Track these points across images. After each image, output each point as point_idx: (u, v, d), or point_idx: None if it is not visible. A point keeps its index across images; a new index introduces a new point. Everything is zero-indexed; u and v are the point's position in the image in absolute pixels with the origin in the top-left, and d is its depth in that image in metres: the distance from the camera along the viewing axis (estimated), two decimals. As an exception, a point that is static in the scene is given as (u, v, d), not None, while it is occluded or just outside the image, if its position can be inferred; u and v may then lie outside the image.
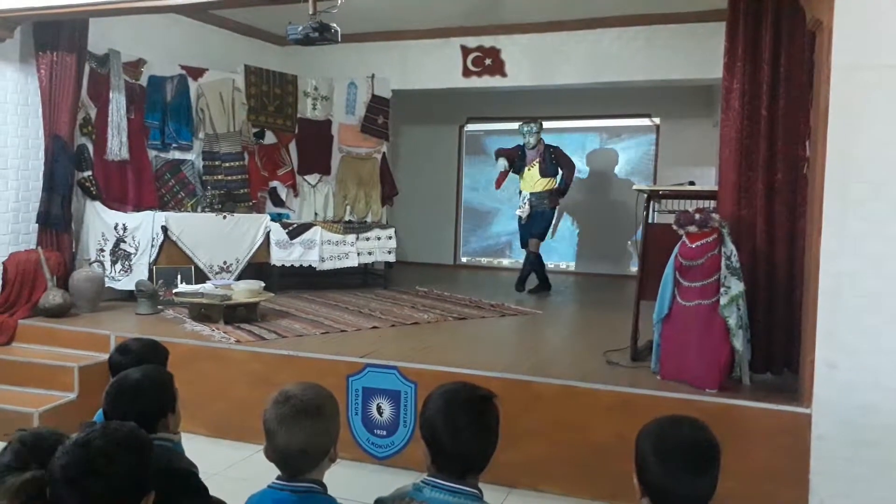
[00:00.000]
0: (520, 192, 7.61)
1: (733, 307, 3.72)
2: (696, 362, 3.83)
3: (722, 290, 3.73)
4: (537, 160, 7.41)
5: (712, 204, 4.18)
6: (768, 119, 3.91)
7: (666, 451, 1.61)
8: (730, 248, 3.76)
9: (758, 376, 3.96)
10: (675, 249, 3.91)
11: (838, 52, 3.32)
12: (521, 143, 7.55)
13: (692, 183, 4.60)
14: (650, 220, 4.53)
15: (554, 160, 7.39)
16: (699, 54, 6.61)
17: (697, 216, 3.80)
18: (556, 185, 7.38)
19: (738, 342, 3.75)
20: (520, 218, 7.47)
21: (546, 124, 9.68)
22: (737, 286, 3.72)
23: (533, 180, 7.41)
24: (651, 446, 1.63)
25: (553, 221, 7.62)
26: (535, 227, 7.37)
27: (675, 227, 3.90)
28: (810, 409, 3.42)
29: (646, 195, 4.52)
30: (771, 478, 3.42)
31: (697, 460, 1.60)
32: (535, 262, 7.40)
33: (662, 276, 3.99)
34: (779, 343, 3.95)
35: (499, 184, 7.77)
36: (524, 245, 7.55)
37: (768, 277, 3.96)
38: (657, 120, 9.09)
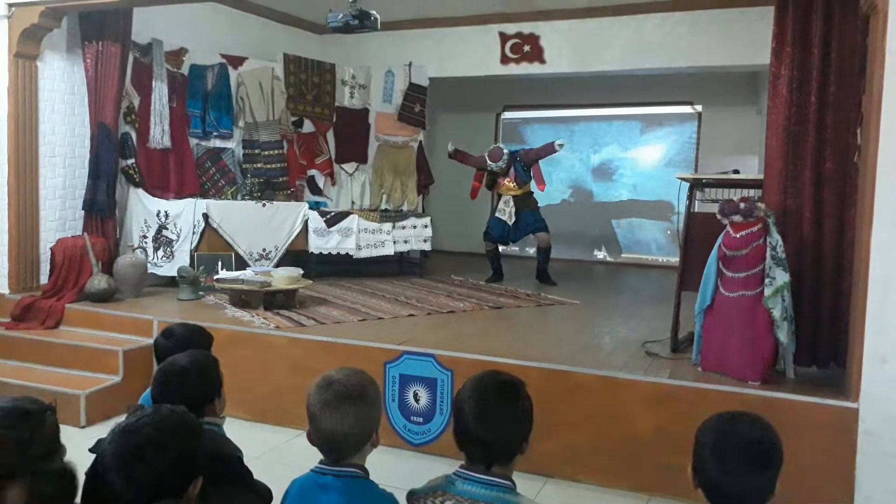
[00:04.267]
0: (499, 196, 7.42)
1: (778, 298, 3.63)
2: (738, 354, 3.75)
3: (766, 280, 3.65)
4: (511, 176, 7.25)
5: (757, 193, 4.08)
6: (818, 106, 3.80)
7: (722, 446, 1.58)
8: (775, 238, 3.67)
9: (802, 369, 3.87)
10: (719, 239, 3.84)
11: (894, 37, 3.21)
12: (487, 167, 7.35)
13: (737, 171, 4.50)
14: (692, 209, 4.44)
15: (524, 167, 7.20)
16: (745, 40, 6.45)
17: (742, 205, 3.71)
18: (530, 189, 7.28)
19: (783, 334, 3.66)
20: (501, 220, 7.25)
21: (585, 112, 9.64)
22: (782, 277, 3.63)
23: (512, 190, 7.28)
24: (708, 440, 1.61)
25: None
26: (533, 226, 7.21)
27: (719, 217, 3.82)
28: (857, 403, 3.33)
29: (689, 184, 4.44)
30: (815, 473, 3.34)
31: (753, 458, 1.57)
32: (544, 253, 7.30)
33: (705, 267, 3.91)
34: (825, 335, 3.85)
35: (474, 193, 7.63)
36: (487, 237, 7.38)
37: (815, 268, 3.85)
38: (699, 107, 8.92)
